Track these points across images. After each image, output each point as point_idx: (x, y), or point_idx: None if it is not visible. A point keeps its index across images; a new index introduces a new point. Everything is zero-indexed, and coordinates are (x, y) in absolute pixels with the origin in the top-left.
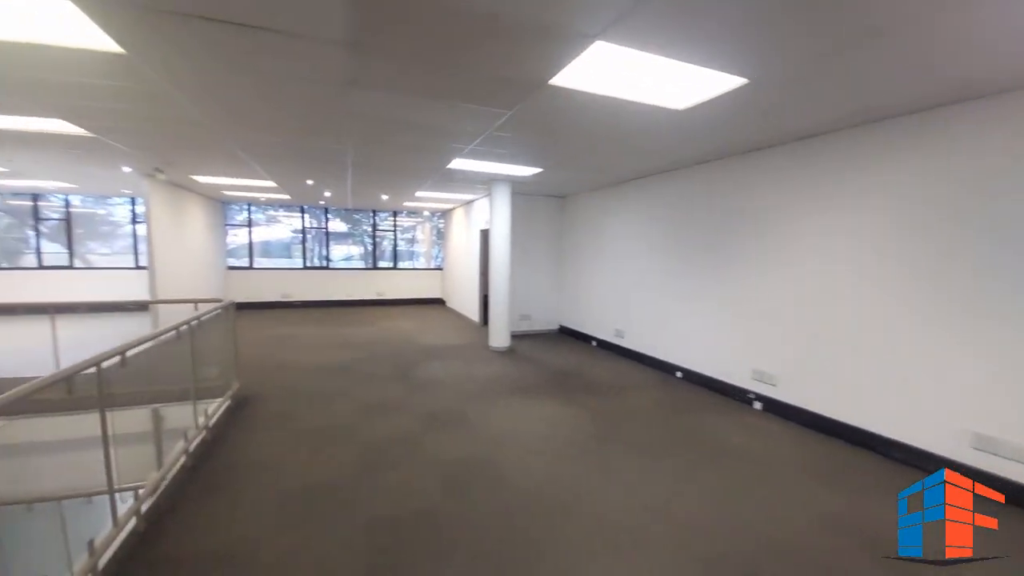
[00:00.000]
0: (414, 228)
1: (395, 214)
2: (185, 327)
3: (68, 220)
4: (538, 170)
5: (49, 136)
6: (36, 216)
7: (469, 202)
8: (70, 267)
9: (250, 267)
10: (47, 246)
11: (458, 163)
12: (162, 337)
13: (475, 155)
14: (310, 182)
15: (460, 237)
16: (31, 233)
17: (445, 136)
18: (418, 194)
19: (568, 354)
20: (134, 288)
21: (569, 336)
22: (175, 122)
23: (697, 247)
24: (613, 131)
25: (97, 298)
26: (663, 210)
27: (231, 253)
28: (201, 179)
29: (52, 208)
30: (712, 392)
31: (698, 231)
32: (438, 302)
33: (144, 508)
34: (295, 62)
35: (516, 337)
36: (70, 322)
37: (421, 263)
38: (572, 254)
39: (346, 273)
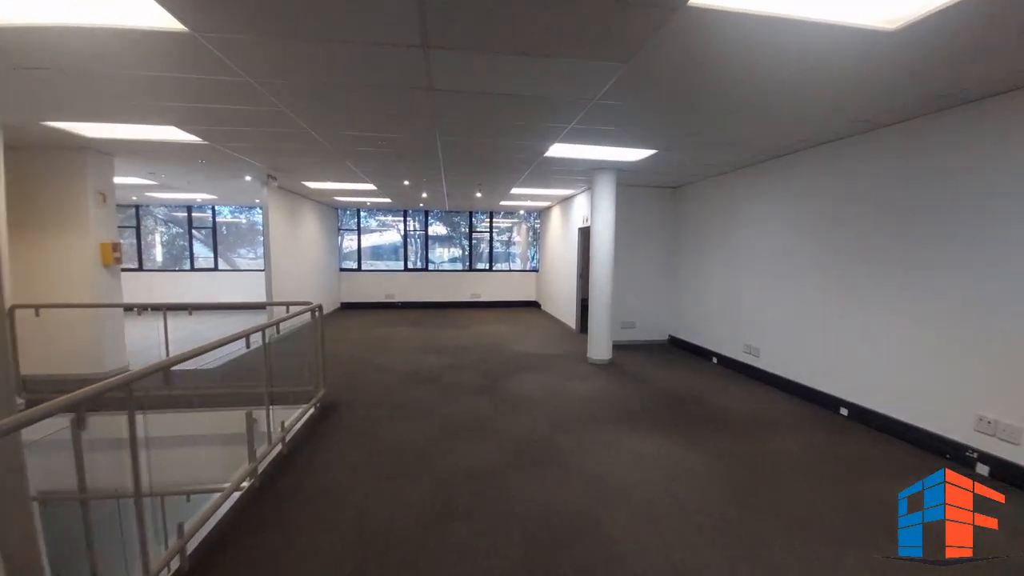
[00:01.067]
0: (510, 229)
1: (491, 215)
2: (259, 334)
3: (214, 228)
4: (650, 152)
5: (170, 145)
6: (190, 225)
7: (567, 199)
8: (215, 269)
9: (358, 269)
10: (199, 251)
11: (556, 149)
12: (229, 345)
13: (575, 137)
14: (406, 183)
15: (557, 237)
16: (185, 241)
17: (540, 112)
18: (514, 191)
19: (682, 372)
20: (262, 288)
21: (681, 349)
22: (266, 118)
23: (880, 240)
24: (770, 78)
25: (210, 299)
26: (825, 191)
27: (348, 256)
28: (312, 185)
29: (204, 218)
30: (903, 442)
31: (881, 218)
32: (533, 305)
33: (191, 547)
34: (365, 15)
35: (618, 348)
36: (203, 318)
37: (517, 265)
38: (686, 253)
39: (444, 275)
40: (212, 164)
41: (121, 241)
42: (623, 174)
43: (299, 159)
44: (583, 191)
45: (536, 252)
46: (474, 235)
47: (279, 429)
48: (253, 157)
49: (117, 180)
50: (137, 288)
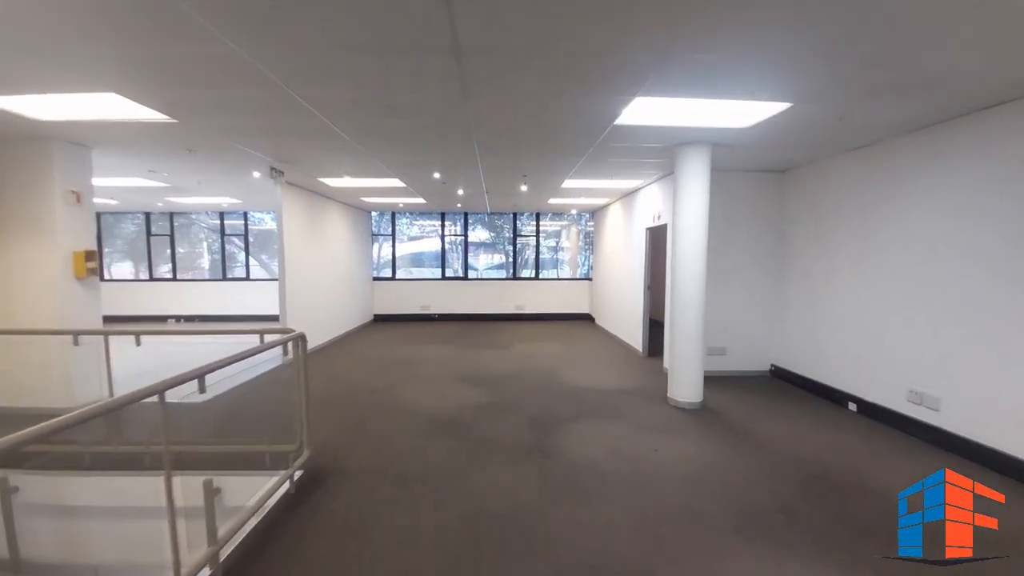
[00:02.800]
0: (558, 233)
1: (537, 217)
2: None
3: (246, 235)
4: (779, 108)
5: (137, 127)
6: (223, 232)
7: (629, 193)
8: (246, 279)
9: (392, 278)
10: (241, 259)
11: (635, 111)
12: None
13: (670, 84)
14: (436, 175)
15: (616, 240)
16: (231, 249)
17: (620, 40)
18: (566, 183)
19: (808, 424)
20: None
21: (790, 384)
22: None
23: None
24: None
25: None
26: None
27: (384, 265)
28: (331, 182)
29: (238, 225)
30: None
31: None
32: (585, 319)
33: None
34: None
35: (706, 380)
36: (205, 334)
37: (566, 273)
38: (798, 257)
39: (485, 284)
40: (205, 155)
41: (94, 249)
42: (716, 152)
43: (298, 142)
44: (653, 180)
45: (589, 258)
46: (518, 239)
47: (230, 523)
48: (247, 143)
49: (119, 182)
50: (171, 298)
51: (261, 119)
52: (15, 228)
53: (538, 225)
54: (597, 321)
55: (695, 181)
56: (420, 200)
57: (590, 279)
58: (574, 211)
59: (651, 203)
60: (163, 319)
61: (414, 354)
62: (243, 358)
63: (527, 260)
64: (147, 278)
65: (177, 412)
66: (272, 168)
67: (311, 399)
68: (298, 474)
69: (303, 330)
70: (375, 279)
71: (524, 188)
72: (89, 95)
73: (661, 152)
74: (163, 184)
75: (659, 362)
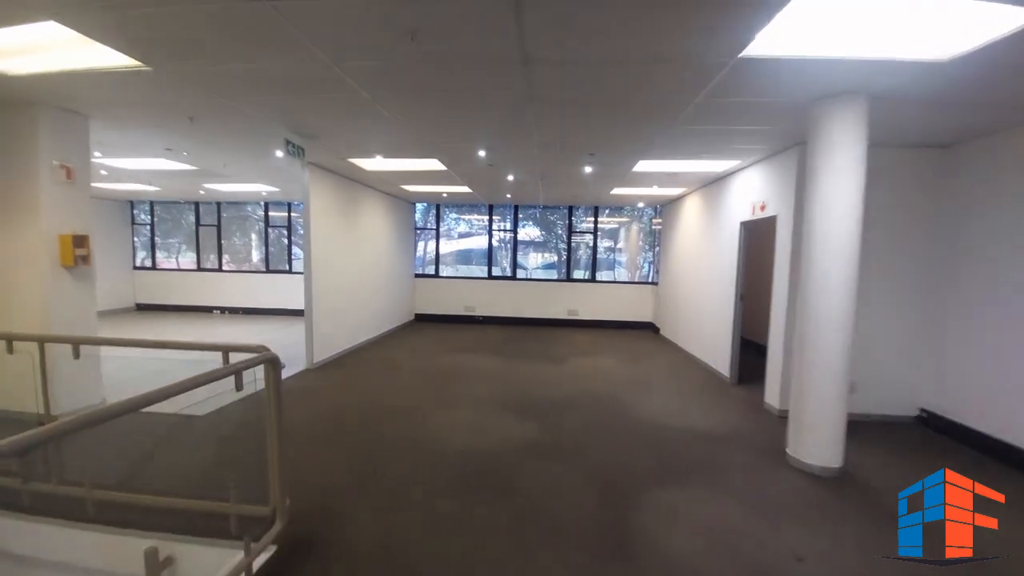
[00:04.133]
0: (616, 231)
1: (596, 212)
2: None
3: (289, 226)
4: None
5: (98, 79)
6: (267, 224)
7: (716, 180)
8: (289, 271)
9: (436, 275)
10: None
11: (778, 34)
12: None
13: None
14: (482, 153)
15: (691, 238)
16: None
17: None
18: (639, 166)
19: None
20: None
21: (950, 438)
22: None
23: None
24: None
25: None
26: None
27: (431, 260)
28: (361, 163)
29: (282, 217)
30: None
31: None
32: (647, 328)
33: None
34: None
35: None
36: (237, 326)
37: (623, 275)
38: (969, 262)
39: (535, 286)
40: (208, 125)
41: (87, 234)
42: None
43: (308, 102)
44: (753, 162)
45: (653, 259)
46: (573, 237)
47: None
48: (248, 106)
49: (142, 164)
50: (217, 289)
51: (256, 66)
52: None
53: (596, 221)
54: (663, 333)
55: (843, 153)
56: (465, 188)
57: (654, 283)
58: (640, 204)
59: (749, 190)
60: (209, 310)
61: (454, 365)
62: (185, 389)
63: (580, 260)
64: (194, 268)
65: (130, 444)
66: (288, 143)
67: (322, 424)
68: (265, 556)
69: (331, 329)
70: (417, 276)
71: (588, 170)
72: (25, 27)
73: (784, 113)
74: (189, 167)
75: (753, 393)
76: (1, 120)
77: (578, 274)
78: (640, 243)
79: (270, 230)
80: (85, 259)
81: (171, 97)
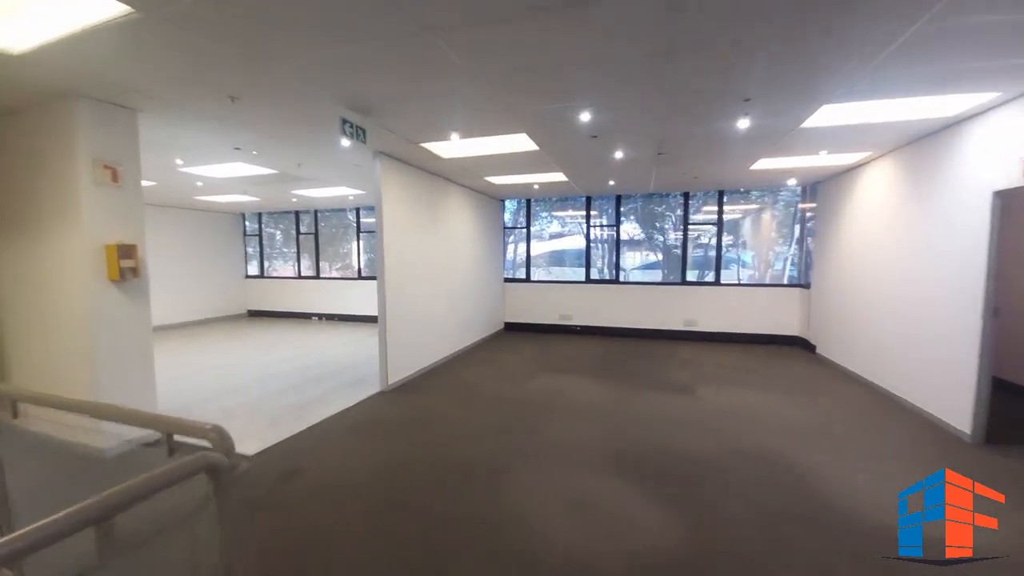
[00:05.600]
0: (741, 220)
1: (721, 197)
2: None
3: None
4: None
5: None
6: (359, 230)
7: (934, 132)
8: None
9: (527, 280)
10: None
11: None
12: None
13: None
14: (585, 117)
15: (881, 222)
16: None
17: None
18: (818, 117)
19: None
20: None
21: None
22: None
23: None
24: None
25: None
26: None
27: (521, 263)
28: (435, 148)
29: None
30: None
31: None
32: (795, 343)
33: None
34: None
35: None
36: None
37: (750, 275)
38: None
39: (641, 291)
40: (253, 105)
41: (135, 244)
42: None
43: (354, 48)
44: (1015, 97)
45: (799, 255)
46: (690, 230)
47: None
48: (285, 71)
49: (219, 171)
50: (314, 296)
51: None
52: (39, 216)
53: (721, 209)
54: (821, 352)
55: None
56: (559, 176)
57: (804, 286)
58: (791, 182)
59: (1012, 140)
60: (307, 316)
61: (548, 391)
62: (118, 508)
63: (694, 258)
64: (295, 276)
65: None
66: (345, 123)
67: (371, 493)
68: None
69: (408, 345)
70: (507, 280)
71: (742, 124)
72: None
73: None
74: (268, 169)
75: (1017, 461)
76: (36, 117)
77: (692, 275)
78: (773, 235)
79: (362, 235)
80: (133, 271)
81: (195, 67)
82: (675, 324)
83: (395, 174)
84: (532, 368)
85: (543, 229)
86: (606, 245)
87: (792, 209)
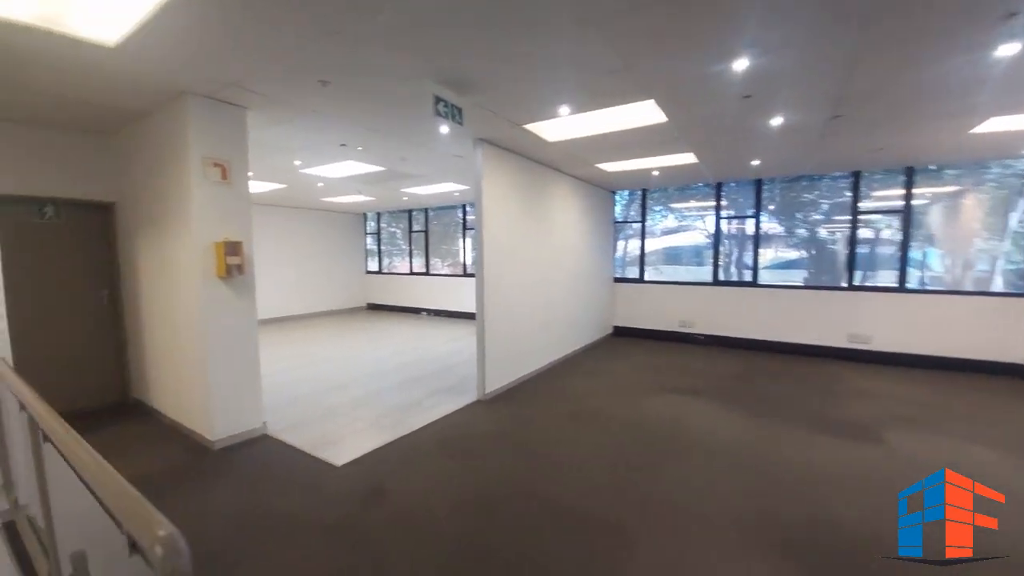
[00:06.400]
0: (930, 205)
1: (910, 176)
2: None
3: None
4: None
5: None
6: (464, 227)
7: None
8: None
9: (640, 280)
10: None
11: None
12: None
13: None
14: (740, 66)
15: None
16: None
17: None
18: None
19: None
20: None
21: None
22: None
23: None
24: None
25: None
26: None
27: (632, 260)
28: (543, 130)
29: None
30: None
31: None
32: (1016, 372)
33: None
34: None
35: None
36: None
37: (940, 278)
38: None
39: (787, 296)
40: (346, 91)
41: (241, 240)
42: None
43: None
44: None
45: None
46: (859, 219)
47: None
48: (367, 39)
49: (332, 170)
50: (424, 293)
51: None
52: (165, 213)
53: (909, 192)
54: None
55: None
56: (687, 158)
57: None
58: None
59: None
60: (417, 311)
61: (668, 418)
62: None
63: (864, 258)
64: (407, 272)
65: None
66: (439, 101)
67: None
68: None
69: (507, 349)
70: (617, 280)
71: (1005, 51)
72: None
73: None
74: (375, 167)
75: None
76: (160, 117)
77: (864, 277)
78: (976, 226)
79: (468, 232)
80: (239, 268)
81: (277, 43)
82: (836, 339)
83: (497, 163)
84: (648, 383)
85: (654, 225)
86: (736, 240)
87: (1007, 192)
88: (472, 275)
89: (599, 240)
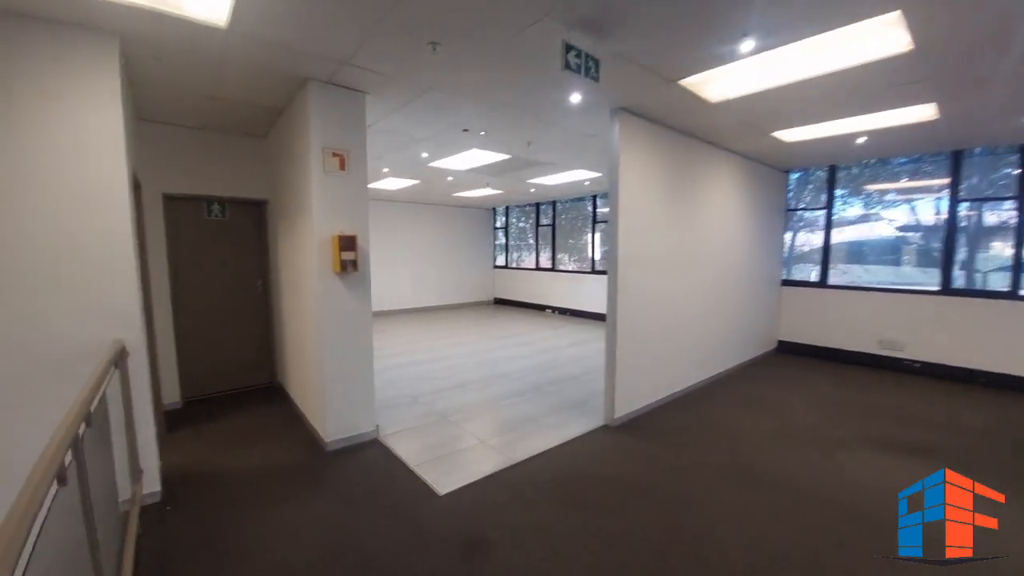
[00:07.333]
0: None
1: None
2: None
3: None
4: None
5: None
6: (595, 220)
7: None
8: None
9: (820, 284)
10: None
11: None
12: None
13: None
14: None
15: None
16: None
17: None
18: None
19: None
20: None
21: None
22: None
23: None
24: None
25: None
26: None
27: (807, 257)
28: (699, 86)
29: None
30: None
31: None
32: None
33: None
34: None
35: None
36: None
37: None
38: None
39: None
40: (459, 53)
41: (355, 235)
42: None
43: None
44: None
45: None
46: None
47: None
48: None
49: (457, 162)
50: (549, 289)
51: None
52: (295, 206)
53: None
54: None
55: None
56: (924, 111)
57: None
58: None
59: None
60: (542, 308)
61: (881, 497)
62: None
63: None
64: (534, 268)
65: None
66: (569, 50)
67: None
68: None
69: (644, 364)
70: (785, 283)
71: None
72: None
73: None
74: (501, 155)
75: None
76: (291, 110)
77: None
78: None
79: (598, 226)
80: (354, 264)
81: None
82: None
83: (637, 138)
84: (839, 428)
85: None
86: (979, 233)
87: None
88: (601, 272)
89: (764, 233)
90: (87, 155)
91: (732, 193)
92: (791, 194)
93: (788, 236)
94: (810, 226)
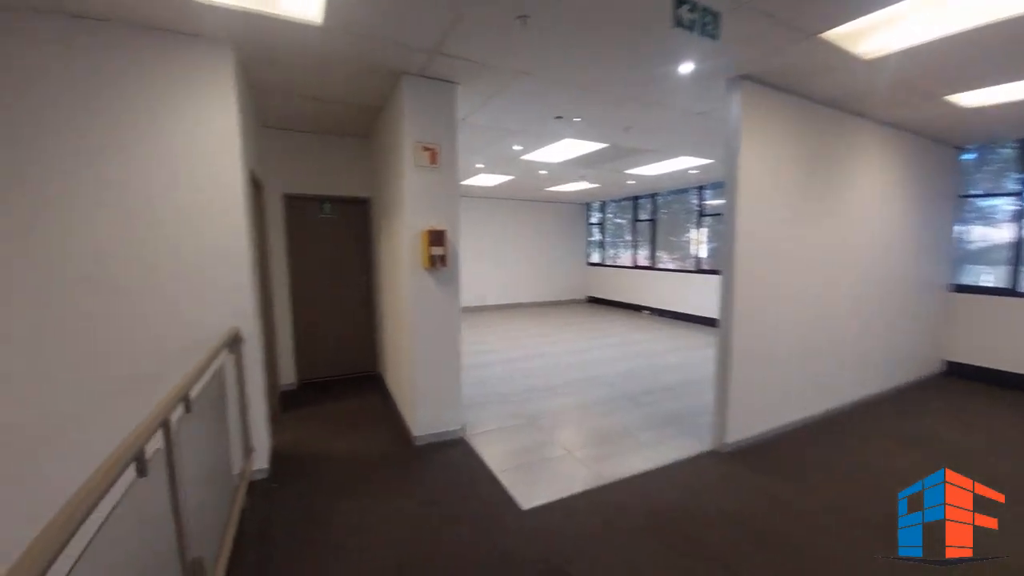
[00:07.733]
0: None
1: None
2: None
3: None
4: None
5: None
6: (701, 214)
7: None
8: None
9: (1010, 291)
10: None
11: None
12: None
13: None
14: None
15: None
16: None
17: None
18: None
19: None
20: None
21: None
22: None
23: None
24: None
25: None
26: None
27: (981, 256)
28: (850, 38)
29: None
30: None
31: None
32: None
33: None
34: None
35: None
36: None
37: None
38: None
39: None
40: (551, 23)
41: (444, 229)
42: None
43: None
44: None
45: None
46: None
47: None
48: None
49: (550, 154)
50: (647, 288)
51: None
52: (393, 202)
53: None
54: None
55: None
56: None
57: None
58: None
59: None
60: (638, 309)
61: None
62: None
63: None
64: (631, 265)
65: None
66: (682, 3)
67: None
68: None
69: (764, 381)
70: (956, 289)
71: None
72: None
73: None
74: (597, 144)
75: None
76: (388, 107)
77: None
78: None
79: (704, 220)
80: (442, 259)
81: None
82: None
83: (762, 110)
84: None
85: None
86: None
87: None
88: (705, 271)
89: (926, 225)
90: (210, 158)
91: (883, 175)
92: (965, 177)
93: (958, 229)
94: (988, 218)
